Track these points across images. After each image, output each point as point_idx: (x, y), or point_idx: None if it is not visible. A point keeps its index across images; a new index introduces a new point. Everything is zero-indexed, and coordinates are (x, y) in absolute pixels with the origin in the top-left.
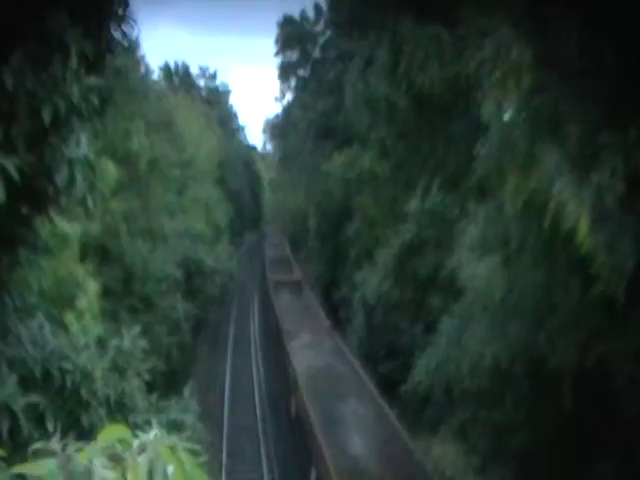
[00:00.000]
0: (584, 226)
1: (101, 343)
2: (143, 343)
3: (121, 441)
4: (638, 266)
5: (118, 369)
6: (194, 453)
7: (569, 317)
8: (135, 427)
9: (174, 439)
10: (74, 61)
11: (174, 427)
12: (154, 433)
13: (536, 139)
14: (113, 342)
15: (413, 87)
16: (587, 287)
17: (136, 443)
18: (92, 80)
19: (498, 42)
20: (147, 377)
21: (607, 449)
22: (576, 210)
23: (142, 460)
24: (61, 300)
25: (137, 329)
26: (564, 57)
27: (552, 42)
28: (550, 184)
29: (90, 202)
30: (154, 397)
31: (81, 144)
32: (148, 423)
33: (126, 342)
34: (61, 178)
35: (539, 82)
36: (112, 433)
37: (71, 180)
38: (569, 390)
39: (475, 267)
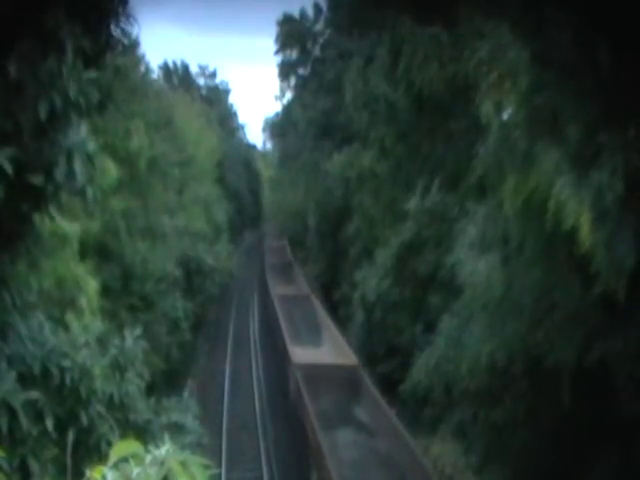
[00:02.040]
0: (585, 225)
1: (101, 341)
2: (144, 344)
3: (134, 456)
4: (638, 264)
5: (120, 368)
6: (205, 467)
7: (568, 315)
8: (136, 427)
9: (186, 454)
10: (70, 57)
11: (175, 429)
12: (166, 448)
13: (535, 139)
14: (115, 341)
15: (413, 87)
16: (587, 286)
17: (149, 458)
18: (90, 74)
19: (495, 43)
20: (148, 378)
21: (606, 448)
22: (576, 209)
23: (154, 475)
24: (61, 298)
25: (138, 331)
26: (562, 57)
27: (550, 42)
28: (549, 183)
29: (89, 195)
30: (153, 398)
31: (79, 135)
32: (149, 423)
33: (128, 342)
34: (60, 170)
35: (537, 82)
36: (124, 449)
37: (70, 172)
38: (568, 389)
39: (474, 265)
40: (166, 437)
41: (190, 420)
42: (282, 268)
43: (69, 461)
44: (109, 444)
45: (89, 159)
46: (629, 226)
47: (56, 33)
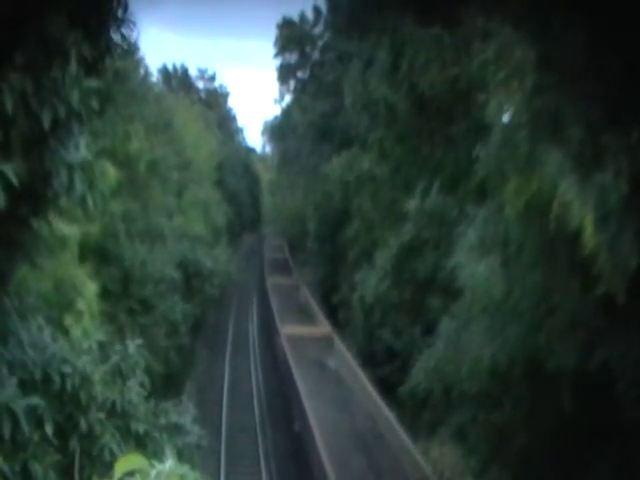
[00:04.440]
0: (589, 226)
1: (102, 347)
2: (145, 352)
3: (139, 471)
4: None
5: (122, 376)
6: None
7: (568, 318)
8: (137, 435)
9: (185, 468)
10: (74, 65)
11: (174, 430)
12: (169, 463)
13: (538, 140)
14: (116, 348)
15: (415, 88)
16: (587, 288)
17: (153, 473)
18: (92, 82)
19: (502, 42)
20: (148, 387)
21: (607, 452)
22: (580, 210)
23: None
24: (60, 302)
25: (139, 340)
26: (567, 58)
27: (555, 43)
28: (553, 185)
29: (89, 204)
30: (152, 402)
31: (80, 148)
32: (150, 431)
33: (131, 350)
34: (60, 182)
35: (541, 83)
36: (129, 463)
37: (70, 184)
38: (568, 392)
39: (474, 268)
40: (169, 452)
41: (189, 421)
42: (281, 271)
43: (77, 475)
44: (112, 453)
45: (89, 172)
46: (632, 227)
47: (60, 41)
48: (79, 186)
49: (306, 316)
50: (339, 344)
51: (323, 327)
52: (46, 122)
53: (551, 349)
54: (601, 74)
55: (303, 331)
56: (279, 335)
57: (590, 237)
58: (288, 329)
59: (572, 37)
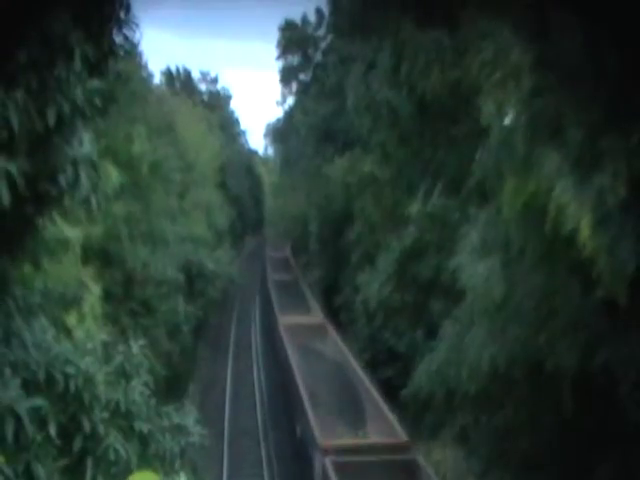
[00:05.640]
0: (586, 228)
1: (105, 348)
2: (148, 352)
3: None
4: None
5: (125, 376)
6: None
7: (569, 320)
8: (141, 435)
9: None
10: (78, 63)
11: (177, 430)
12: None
13: (536, 142)
14: (120, 348)
15: (415, 91)
16: (587, 290)
17: None
18: (95, 82)
19: (499, 43)
20: (152, 387)
21: (609, 454)
22: (577, 212)
23: None
24: (63, 303)
25: (142, 341)
26: (565, 60)
27: (553, 44)
28: (550, 187)
29: (94, 202)
30: (154, 401)
31: (84, 144)
32: (152, 432)
33: (134, 350)
34: (65, 178)
35: (539, 85)
36: (142, 479)
37: (75, 180)
38: (570, 394)
39: (475, 270)
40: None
41: (191, 422)
42: (293, 299)
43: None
44: (116, 452)
45: (93, 168)
46: (631, 230)
47: (64, 39)
48: (85, 181)
49: (354, 405)
50: (426, 470)
51: (392, 433)
52: (51, 119)
53: (552, 351)
54: (600, 75)
55: (360, 443)
56: (317, 451)
57: (587, 240)
58: (332, 440)
59: (570, 38)
